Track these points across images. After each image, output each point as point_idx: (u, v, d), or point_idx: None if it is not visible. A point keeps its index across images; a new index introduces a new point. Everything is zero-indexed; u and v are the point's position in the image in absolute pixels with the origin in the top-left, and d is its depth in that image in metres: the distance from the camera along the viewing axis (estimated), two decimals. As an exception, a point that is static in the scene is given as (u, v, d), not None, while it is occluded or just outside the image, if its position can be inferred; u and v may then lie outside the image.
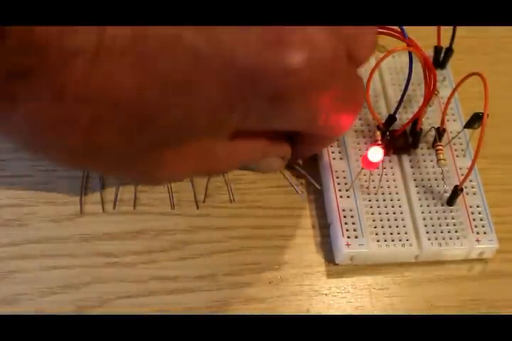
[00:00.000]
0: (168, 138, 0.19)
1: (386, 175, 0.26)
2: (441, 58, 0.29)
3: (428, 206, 0.26)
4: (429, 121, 0.27)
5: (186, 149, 0.21)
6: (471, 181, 0.26)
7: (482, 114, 0.24)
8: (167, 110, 0.18)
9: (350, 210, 0.25)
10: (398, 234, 0.25)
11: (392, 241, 0.25)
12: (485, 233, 0.25)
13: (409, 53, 0.25)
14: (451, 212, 0.26)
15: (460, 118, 0.28)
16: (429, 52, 0.28)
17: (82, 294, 0.23)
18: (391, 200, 0.26)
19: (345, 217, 0.25)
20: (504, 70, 0.31)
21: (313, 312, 0.24)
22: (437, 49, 0.29)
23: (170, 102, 0.18)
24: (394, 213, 0.25)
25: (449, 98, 0.26)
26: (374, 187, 0.26)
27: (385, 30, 0.25)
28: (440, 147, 0.26)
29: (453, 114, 0.28)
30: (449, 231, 0.25)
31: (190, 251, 0.25)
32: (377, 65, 0.25)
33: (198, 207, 0.25)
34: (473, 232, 0.25)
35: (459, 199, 0.26)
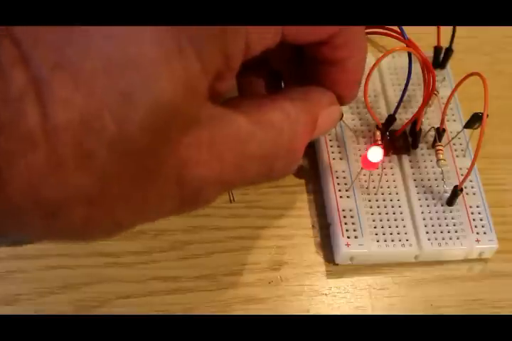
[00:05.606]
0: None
1: (386, 175, 0.26)
2: (441, 58, 0.29)
3: (428, 206, 0.26)
4: (429, 121, 0.27)
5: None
6: (471, 181, 0.26)
7: (482, 114, 0.24)
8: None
9: (350, 210, 0.25)
10: (398, 234, 0.25)
11: (392, 241, 0.25)
12: (485, 233, 0.25)
13: (409, 54, 0.25)
14: (451, 212, 0.26)
15: (460, 119, 0.28)
16: (429, 53, 0.28)
17: (81, 294, 0.23)
18: (391, 200, 0.26)
19: (345, 217, 0.25)
20: (504, 70, 0.31)
21: (313, 312, 0.24)
22: (437, 49, 0.29)
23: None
24: (394, 213, 0.25)
25: (449, 98, 0.26)
26: (374, 188, 0.26)
27: (385, 31, 0.25)
28: (440, 147, 0.26)
29: (453, 114, 0.28)
30: (449, 231, 0.25)
31: (190, 251, 0.25)
32: (375, 65, 0.25)
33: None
34: (473, 232, 0.25)
35: (459, 200, 0.25)
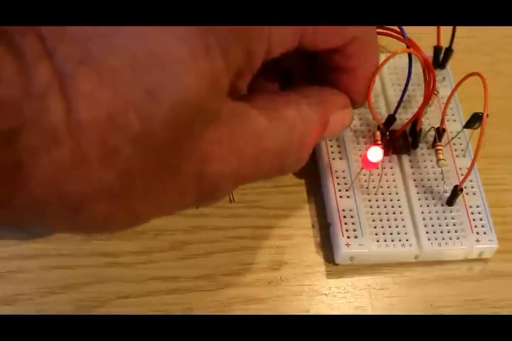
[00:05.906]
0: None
1: (386, 175, 0.26)
2: (440, 58, 0.29)
3: (428, 206, 0.26)
4: (429, 121, 0.27)
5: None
6: (470, 181, 0.26)
7: (482, 114, 0.24)
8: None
9: (350, 210, 0.25)
10: (398, 234, 0.25)
11: (392, 241, 0.25)
12: (485, 233, 0.25)
13: (409, 53, 0.25)
14: (451, 212, 0.26)
15: (460, 119, 0.28)
16: (429, 53, 0.28)
17: (81, 294, 0.23)
18: (391, 200, 0.26)
19: (345, 217, 0.25)
20: (504, 70, 0.31)
21: (313, 312, 0.24)
22: (437, 49, 0.29)
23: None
24: (394, 213, 0.25)
25: (449, 98, 0.26)
26: (374, 187, 0.26)
27: (385, 31, 0.25)
28: (440, 147, 0.26)
29: (453, 114, 0.28)
30: (448, 231, 0.25)
31: (190, 251, 0.25)
32: (379, 68, 0.24)
33: (197, 207, 0.25)
34: (473, 232, 0.25)
35: (459, 199, 0.25)
